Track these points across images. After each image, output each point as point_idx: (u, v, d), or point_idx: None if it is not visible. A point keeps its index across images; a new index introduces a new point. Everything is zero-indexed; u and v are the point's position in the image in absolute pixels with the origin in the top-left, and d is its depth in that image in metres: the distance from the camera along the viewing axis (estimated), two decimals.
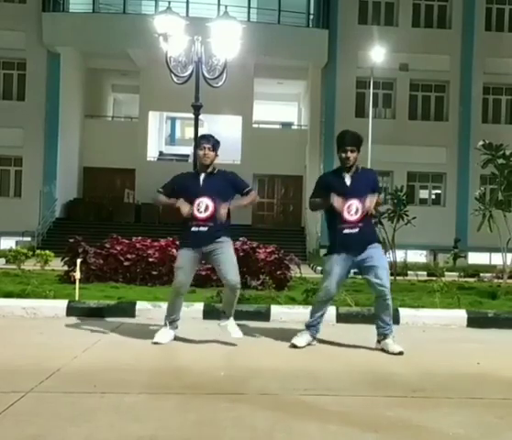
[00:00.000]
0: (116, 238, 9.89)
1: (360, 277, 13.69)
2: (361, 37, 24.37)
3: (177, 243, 9.83)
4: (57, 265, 10.61)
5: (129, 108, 31.01)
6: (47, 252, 13.12)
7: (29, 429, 3.00)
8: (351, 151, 5.09)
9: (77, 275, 7.16)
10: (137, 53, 25.39)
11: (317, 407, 3.52)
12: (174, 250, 9.58)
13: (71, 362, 4.43)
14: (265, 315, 6.59)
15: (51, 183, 25.06)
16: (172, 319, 5.31)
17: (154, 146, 29.53)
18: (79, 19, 24.82)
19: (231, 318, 5.32)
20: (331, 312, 6.81)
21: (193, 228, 5.13)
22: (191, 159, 18.54)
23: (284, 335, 5.71)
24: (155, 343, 5.11)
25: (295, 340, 5.16)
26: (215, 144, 5.30)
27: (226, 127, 26.34)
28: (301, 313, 6.77)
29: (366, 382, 4.05)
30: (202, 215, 5.12)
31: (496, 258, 15.40)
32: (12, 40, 24.23)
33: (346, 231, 5.04)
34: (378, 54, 22.93)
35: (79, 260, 7.63)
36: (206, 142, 5.27)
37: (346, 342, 5.50)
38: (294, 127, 31.43)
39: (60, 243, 12.88)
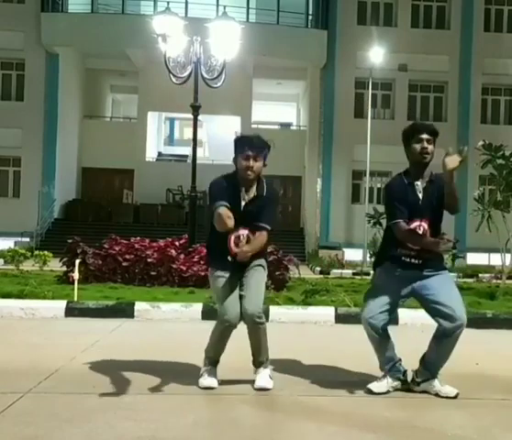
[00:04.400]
0: (114, 239, 9.89)
1: (358, 277, 13.62)
2: (360, 37, 24.36)
3: (176, 244, 9.90)
4: (55, 265, 10.60)
5: (128, 109, 30.96)
6: (45, 253, 13.10)
7: (28, 429, 3.00)
8: (428, 141, 3.70)
9: (76, 275, 7.16)
10: (135, 54, 25.35)
11: (316, 408, 3.52)
12: (173, 251, 9.60)
13: (69, 363, 4.43)
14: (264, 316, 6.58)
15: (50, 184, 25.00)
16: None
17: (153, 146, 29.48)
18: (78, 20, 24.76)
19: (262, 368, 3.96)
20: (330, 312, 6.84)
21: (229, 258, 3.83)
22: (189, 160, 18.53)
23: (283, 335, 5.71)
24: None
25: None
26: (261, 150, 3.72)
27: (224, 128, 26.31)
28: (300, 313, 6.80)
29: (365, 383, 4.05)
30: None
31: (495, 259, 15.42)
32: (11, 41, 24.14)
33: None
34: (377, 54, 22.91)
35: (77, 261, 7.64)
36: (250, 148, 3.67)
37: (345, 342, 5.50)
38: (293, 128, 31.39)
39: (58, 243, 12.87)
